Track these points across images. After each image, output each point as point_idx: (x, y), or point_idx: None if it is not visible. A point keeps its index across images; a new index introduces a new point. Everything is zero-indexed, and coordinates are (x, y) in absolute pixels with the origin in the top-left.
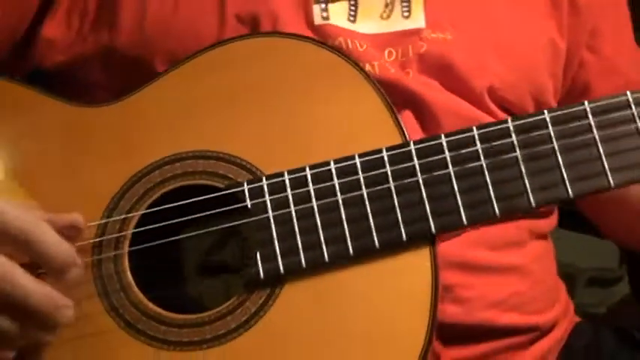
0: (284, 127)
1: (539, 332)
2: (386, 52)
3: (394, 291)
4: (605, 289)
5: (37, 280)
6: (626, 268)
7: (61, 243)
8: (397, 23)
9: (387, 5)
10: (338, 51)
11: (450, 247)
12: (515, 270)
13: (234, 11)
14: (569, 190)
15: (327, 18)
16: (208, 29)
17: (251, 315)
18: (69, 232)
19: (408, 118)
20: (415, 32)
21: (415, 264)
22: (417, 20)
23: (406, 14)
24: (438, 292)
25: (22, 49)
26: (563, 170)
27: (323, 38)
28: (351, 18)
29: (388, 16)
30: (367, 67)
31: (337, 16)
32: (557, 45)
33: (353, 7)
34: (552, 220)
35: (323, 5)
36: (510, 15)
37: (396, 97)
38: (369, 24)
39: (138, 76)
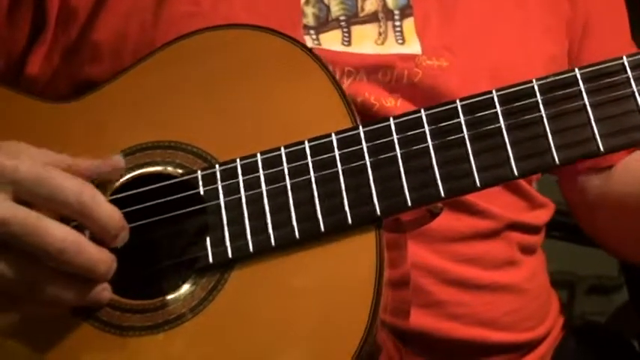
0: (239, 117)
1: (531, 346)
2: (380, 73)
3: (339, 274)
4: (605, 297)
5: (97, 245)
6: (625, 276)
7: (113, 209)
8: (393, 48)
9: (380, 34)
10: (293, 40)
11: (444, 264)
12: (509, 289)
13: None
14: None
15: (319, 44)
16: None
17: (200, 300)
18: (110, 176)
19: None
20: (411, 58)
21: (360, 247)
22: (413, 46)
23: (400, 41)
24: (383, 274)
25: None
26: (509, 148)
27: None
28: (346, 42)
29: (383, 43)
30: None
31: (330, 42)
32: (558, 58)
33: (346, 35)
34: (541, 236)
35: (314, 35)
36: (508, 36)
37: None
38: (364, 46)
39: None
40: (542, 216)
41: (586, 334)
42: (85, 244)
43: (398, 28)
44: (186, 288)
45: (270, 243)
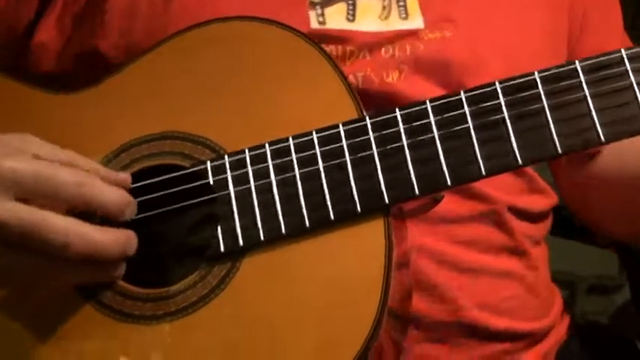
0: (247, 108)
1: (534, 339)
2: (383, 49)
3: (348, 262)
4: (606, 296)
5: (102, 228)
6: (627, 275)
7: (113, 190)
8: (396, 24)
9: (384, 8)
10: (300, 33)
11: (442, 246)
12: (509, 275)
13: None
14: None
15: (323, 22)
16: None
17: (212, 288)
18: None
19: None
20: (413, 33)
21: (369, 235)
22: (415, 21)
23: (403, 16)
24: (392, 262)
25: (19, 55)
26: (513, 139)
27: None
28: (350, 17)
29: (386, 18)
30: (350, 78)
31: (335, 17)
32: (558, 32)
33: (351, 8)
34: (547, 224)
35: (319, 10)
36: (510, 10)
37: (383, 103)
38: (368, 23)
39: None
40: (542, 202)
41: (590, 335)
42: (89, 233)
43: (402, 2)
44: (197, 277)
45: (281, 231)
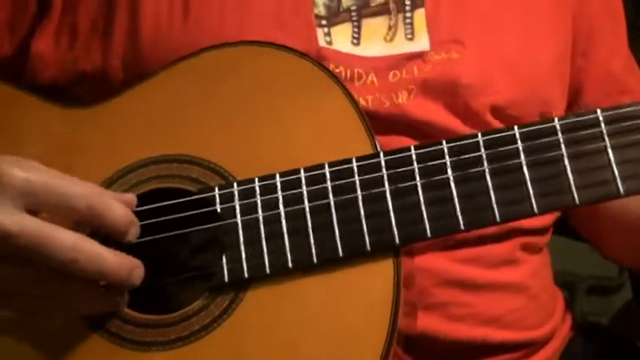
0: (258, 135)
1: (537, 346)
2: (390, 73)
3: (355, 301)
4: (606, 297)
5: (112, 250)
6: (629, 275)
7: (121, 207)
8: (401, 45)
9: (390, 28)
10: (309, 57)
11: (444, 265)
12: (511, 287)
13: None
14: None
15: (330, 42)
16: None
17: (214, 318)
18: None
19: (406, 143)
20: (419, 55)
21: (378, 275)
22: (421, 42)
23: (409, 36)
24: (399, 304)
25: (16, 63)
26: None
27: (325, 62)
28: (355, 41)
29: (392, 39)
30: (360, 101)
31: (340, 39)
32: (563, 50)
33: (356, 30)
34: (547, 237)
35: (326, 29)
36: (518, 29)
37: (393, 126)
38: (373, 46)
39: None
40: (545, 218)
41: (593, 336)
42: (97, 250)
43: (408, 20)
44: (200, 305)
45: (287, 265)
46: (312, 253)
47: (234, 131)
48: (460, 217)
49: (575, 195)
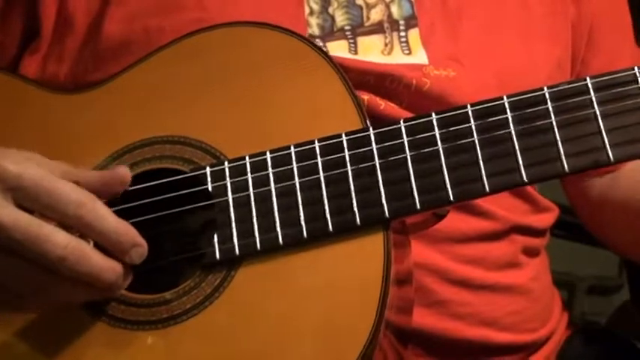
0: (248, 113)
1: (535, 347)
2: (388, 80)
3: (345, 276)
4: (605, 297)
5: (100, 253)
6: (627, 276)
7: (118, 223)
8: (400, 58)
9: (386, 45)
10: (302, 37)
11: (447, 263)
12: (512, 290)
13: None
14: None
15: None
16: None
17: (206, 296)
18: (117, 189)
19: None
20: (418, 67)
21: (368, 249)
22: (419, 57)
23: (406, 52)
24: (390, 277)
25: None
26: (519, 155)
27: None
28: (352, 51)
29: (389, 53)
30: None
31: (338, 50)
32: (563, 62)
33: (352, 45)
34: (545, 239)
35: (321, 43)
36: (514, 43)
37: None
38: (371, 56)
39: None
40: (546, 219)
41: (592, 337)
42: (88, 252)
43: (403, 39)
44: (191, 284)
45: (278, 241)
46: (302, 229)
47: (226, 112)
48: (449, 189)
49: (565, 163)
